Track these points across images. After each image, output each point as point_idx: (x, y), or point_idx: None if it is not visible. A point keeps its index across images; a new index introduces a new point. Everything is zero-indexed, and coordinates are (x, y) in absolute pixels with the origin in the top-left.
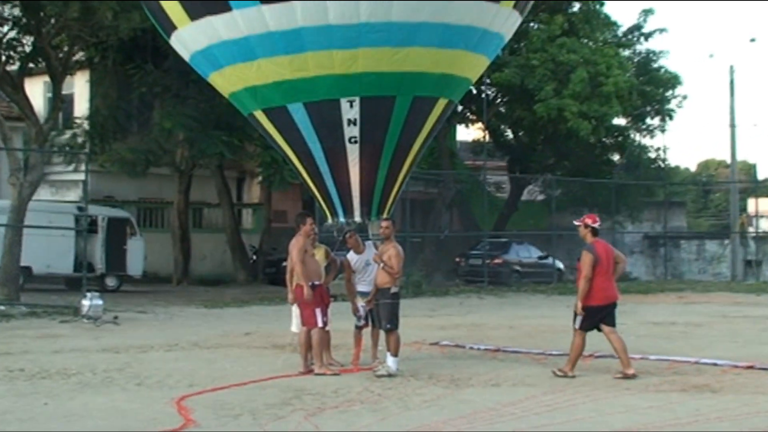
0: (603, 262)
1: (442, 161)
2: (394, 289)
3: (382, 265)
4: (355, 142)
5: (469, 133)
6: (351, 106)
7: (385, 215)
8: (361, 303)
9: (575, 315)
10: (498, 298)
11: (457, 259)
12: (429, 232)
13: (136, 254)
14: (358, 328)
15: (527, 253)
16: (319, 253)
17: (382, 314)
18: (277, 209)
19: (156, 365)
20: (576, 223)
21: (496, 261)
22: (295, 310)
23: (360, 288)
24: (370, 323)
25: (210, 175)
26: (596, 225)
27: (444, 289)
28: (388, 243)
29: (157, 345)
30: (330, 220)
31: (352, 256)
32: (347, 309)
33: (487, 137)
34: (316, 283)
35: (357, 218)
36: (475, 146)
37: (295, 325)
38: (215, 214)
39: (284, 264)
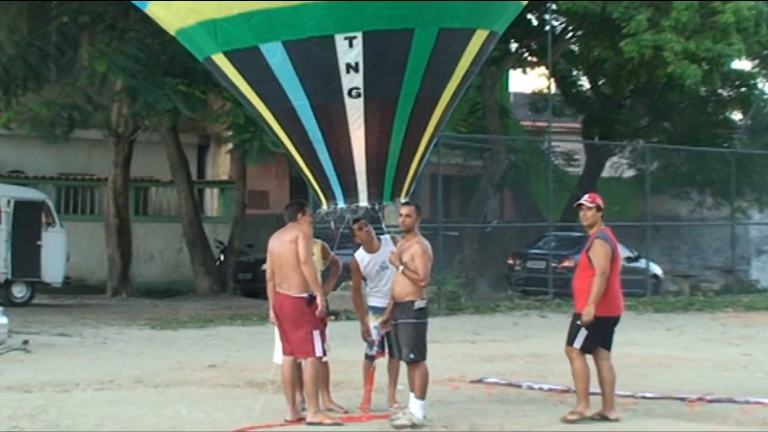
0: (617, 257)
1: (488, 122)
2: (419, 304)
3: (401, 268)
4: (358, 95)
5: (527, 81)
6: (351, 45)
7: (403, 198)
8: (373, 323)
9: (576, 328)
10: (568, 316)
11: (510, 261)
12: (470, 222)
13: (55, 253)
14: (370, 359)
15: None
16: (316, 250)
17: (403, 339)
18: (254, 189)
19: (82, 410)
20: (587, 203)
21: (566, 264)
22: (279, 333)
23: (372, 302)
24: (386, 351)
25: (160, 142)
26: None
27: (491, 304)
28: (410, 238)
29: (84, 381)
30: (324, 206)
31: (362, 255)
32: (354, 331)
33: (554, 87)
34: (314, 295)
35: (363, 202)
36: (537, 101)
37: (280, 354)
38: (167, 196)
39: (264, 267)
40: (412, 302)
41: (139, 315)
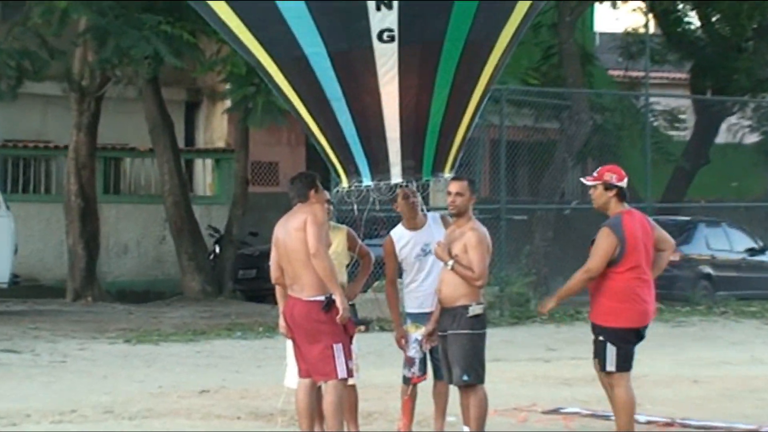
0: (635, 249)
1: (566, 71)
2: (474, 309)
3: (451, 264)
4: (391, 39)
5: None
6: None
7: (448, 172)
8: (415, 334)
9: (601, 347)
10: (671, 326)
11: None
12: (543, 202)
13: None
14: (408, 382)
15: (727, 243)
16: (337, 240)
17: (454, 356)
18: (259, 160)
19: None
20: (588, 181)
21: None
22: (292, 348)
23: (410, 305)
24: (429, 372)
25: (136, 99)
26: (623, 183)
27: (571, 310)
28: (462, 223)
29: (38, 412)
30: (344, 184)
31: (399, 232)
32: (392, 346)
33: (652, 26)
34: (332, 297)
35: (396, 178)
36: (630, 44)
37: (293, 376)
38: (145, 170)
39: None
40: (466, 308)
41: (109, 325)
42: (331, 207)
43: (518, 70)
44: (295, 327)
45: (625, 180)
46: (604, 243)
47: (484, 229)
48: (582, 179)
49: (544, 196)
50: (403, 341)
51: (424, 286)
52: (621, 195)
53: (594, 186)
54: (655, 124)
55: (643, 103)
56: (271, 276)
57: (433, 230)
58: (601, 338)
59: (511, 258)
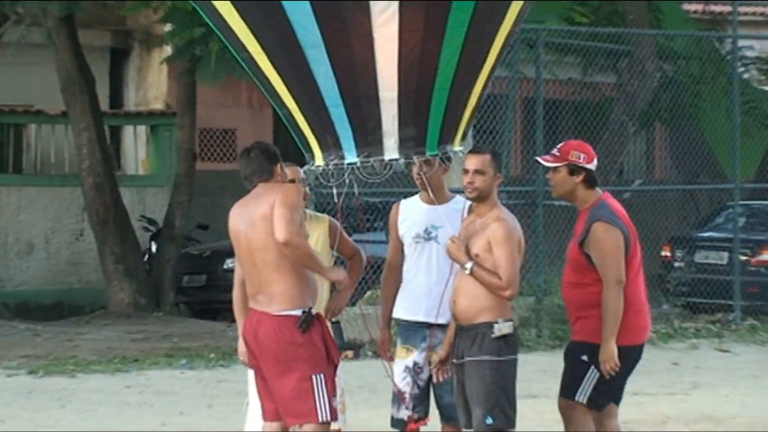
0: (636, 242)
1: (625, 6)
2: (502, 328)
3: (470, 266)
4: None
5: None
6: None
7: (458, 143)
8: (405, 360)
9: (579, 369)
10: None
11: (666, 252)
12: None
13: None
14: (402, 427)
15: None
16: (315, 234)
17: (473, 391)
18: (210, 127)
19: None
20: (547, 161)
21: (765, 256)
22: (255, 381)
23: (401, 308)
24: (430, 415)
25: (44, 45)
26: (592, 165)
27: None
28: (484, 210)
29: None
30: (318, 160)
31: (410, 204)
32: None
33: None
34: (313, 311)
35: (390, 152)
36: None
37: (255, 420)
38: (55, 141)
39: (229, 265)
40: (490, 326)
41: (7, 350)
42: (307, 189)
43: (561, 3)
44: (260, 352)
45: (595, 161)
46: (610, 243)
47: (514, 220)
48: (538, 159)
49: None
50: (386, 350)
51: (416, 284)
52: (590, 180)
53: (555, 168)
54: (746, 76)
55: (731, 48)
56: (229, 283)
57: (450, 216)
58: (584, 358)
59: (551, 258)
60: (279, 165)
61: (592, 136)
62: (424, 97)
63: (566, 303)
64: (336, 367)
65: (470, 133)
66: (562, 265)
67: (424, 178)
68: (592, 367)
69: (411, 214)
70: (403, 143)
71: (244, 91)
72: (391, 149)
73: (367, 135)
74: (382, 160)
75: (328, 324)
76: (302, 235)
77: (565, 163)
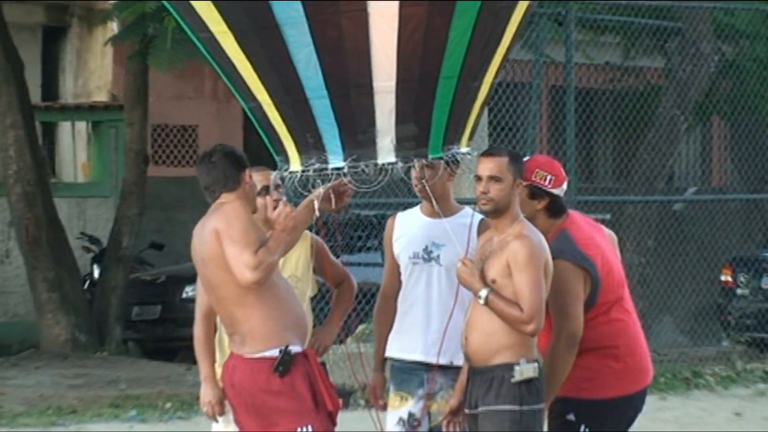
0: (609, 273)
1: None
2: (524, 370)
3: (484, 294)
4: None
5: None
6: None
7: (465, 144)
8: (398, 411)
9: (573, 429)
10: None
11: (727, 276)
12: (638, 190)
13: None
14: None
15: None
16: (296, 256)
17: None
18: (166, 125)
19: None
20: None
21: None
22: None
23: (392, 344)
24: None
25: None
26: (560, 190)
27: (687, 369)
28: (503, 226)
29: None
30: (294, 165)
31: (406, 217)
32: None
33: None
34: (292, 350)
35: (384, 154)
36: None
37: None
38: None
39: (189, 293)
40: (509, 368)
41: None
42: (284, 198)
43: None
44: (237, 404)
45: (564, 186)
46: (571, 287)
47: (539, 238)
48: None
49: (639, 182)
50: (377, 396)
51: (413, 316)
52: (553, 208)
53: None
54: None
55: None
56: (196, 314)
57: (456, 231)
58: (571, 417)
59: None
60: (247, 171)
61: (634, 133)
62: (428, 87)
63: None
64: (333, 414)
65: (485, 132)
66: None
67: (427, 186)
68: (583, 426)
69: (408, 230)
70: (401, 143)
71: (208, 79)
72: (386, 151)
73: (357, 134)
74: (376, 164)
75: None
76: (265, 253)
77: (527, 183)
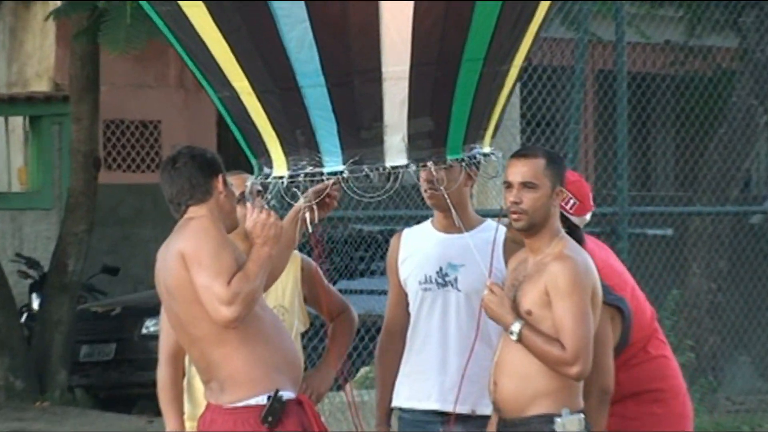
0: (641, 315)
1: None
2: (566, 423)
3: (517, 329)
4: None
5: None
6: None
7: (488, 143)
8: None
9: None
10: None
11: None
12: (707, 200)
13: None
14: None
15: None
16: (283, 280)
17: None
18: (122, 120)
19: None
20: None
21: None
22: None
23: (399, 390)
24: None
25: None
26: (582, 219)
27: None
28: (539, 245)
29: None
30: (278, 169)
31: (416, 232)
32: None
33: None
34: (284, 396)
35: (394, 155)
36: None
37: None
38: None
39: (150, 329)
40: (548, 420)
41: None
42: (264, 206)
43: None
44: None
45: (588, 216)
46: (598, 329)
47: (585, 260)
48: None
49: (708, 189)
50: None
51: (426, 355)
52: (571, 236)
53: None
54: None
55: None
56: (159, 354)
57: (479, 249)
58: None
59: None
60: (220, 178)
61: (702, 129)
62: (449, 72)
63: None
64: None
65: (517, 128)
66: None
67: (445, 193)
68: None
69: (418, 249)
70: (414, 142)
71: (174, 63)
72: (395, 151)
73: (360, 130)
74: (383, 167)
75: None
76: (241, 281)
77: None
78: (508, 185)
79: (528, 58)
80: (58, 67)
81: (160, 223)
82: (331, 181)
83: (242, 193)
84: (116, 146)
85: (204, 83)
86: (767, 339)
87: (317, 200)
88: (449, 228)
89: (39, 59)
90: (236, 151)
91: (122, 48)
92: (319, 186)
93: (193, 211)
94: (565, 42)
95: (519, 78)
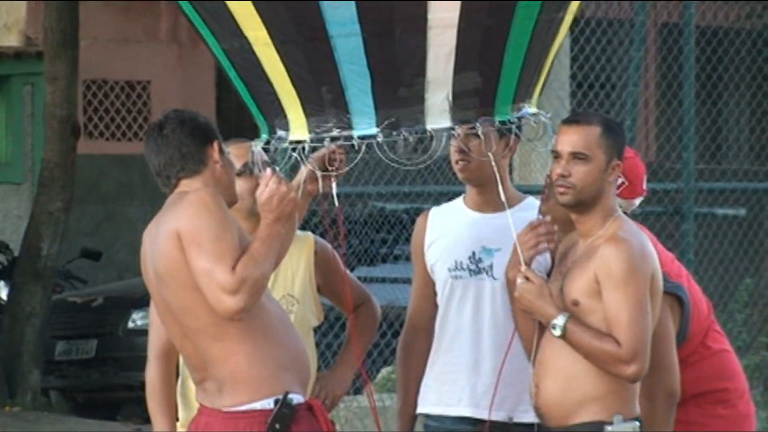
0: (699, 304)
1: None
2: (619, 429)
3: (562, 322)
4: None
5: None
6: None
7: (535, 102)
8: None
9: None
10: None
11: None
12: None
13: None
14: None
15: None
16: (294, 264)
17: None
18: (105, 80)
19: None
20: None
21: None
22: None
23: (426, 395)
24: None
25: None
26: (629, 202)
27: None
28: (590, 224)
29: None
30: (298, 132)
31: (445, 211)
32: None
33: None
34: (293, 399)
35: (438, 117)
36: None
37: None
38: None
39: (137, 322)
40: (599, 428)
41: None
42: (274, 176)
43: None
44: None
45: (637, 201)
46: (660, 322)
47: (644, 242)
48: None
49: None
50: None
51: (455, 354)
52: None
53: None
54: None
55: None
56: (148, 352)
57: (520, 228)
58: None
59: (708, 297)
60: (215, 145)
61: None
62: (503, 19)
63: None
64: None
65: (566, 90)
66: (733, 317)
67: (492, 159)
68: None
69: (447, 230)
70: (460, 100)
71: (166, 15)
72: (438, 111)
73: (399, 87)
74: (424, 131)
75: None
76: (248, 265)
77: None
78: (557, 155)
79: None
80: (30, 18)
81: (149, 200)
82: (333, 146)
83: (245, 164)
84: (98, 111)
85: (205, 33)
86: None
87: (322, 169)
88: (484, 206)
89: (8, 9)
90: (239, 116)
91: None
92: (321, 151)
93: (186, 184)
94: None
95: (570, 30)
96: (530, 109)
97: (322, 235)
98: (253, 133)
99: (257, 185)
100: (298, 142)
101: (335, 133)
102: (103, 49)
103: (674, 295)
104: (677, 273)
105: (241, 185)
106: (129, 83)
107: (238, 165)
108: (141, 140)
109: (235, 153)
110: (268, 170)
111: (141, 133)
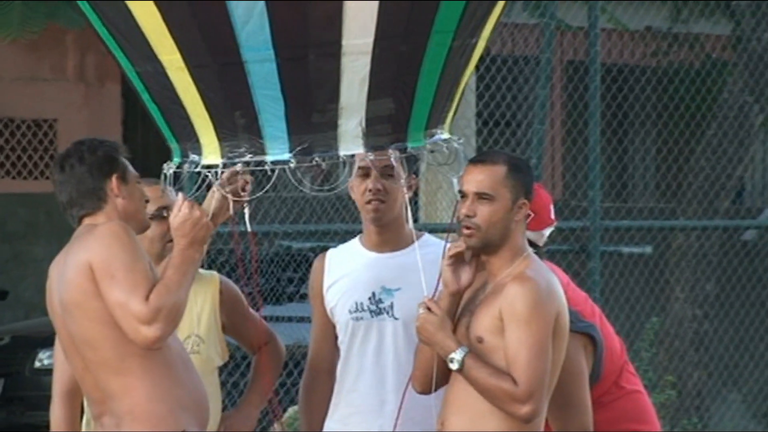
0: (612, 343)
1: None
2: None
3: (458, 356)
4: None
5: None
6: None
7: (448, 127)
8: None
9: None
10: None
11: None
12: (690, 215)
13: None
14: None
15: None
16: (199, 303)
17: None
18: (11, 119)
19: None
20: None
21: None
22: None
23: None
24: None
25: None
26: (537, 234)
27: None
28: (498, 264)
29: None
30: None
31: (343, 252)
32: None
33: None
34: None
35: (350, 143)
36: None
37: None
38: None
39: (43, 362)
40: None
41: None
42: (186, 201)
43: None
44: None
45: (546, 233)
46: (571, 361)
47: (550, 281)
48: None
49: (694, 200)
50: None
51: (359, 394)
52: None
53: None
54: None
55: None
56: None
57: (421, 265)
58: None
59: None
60: (113, 179)
61: (688, 129)
62: (417, 46)
63: None
64: None
65: (472, 128)
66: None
67: (403, 186)
68: None
69: (346, 272)
70: (373, 126)
71: (73, 52)
72: (351, 137)
73: (312, 112)
74: (337, 156)
75: None
76: (162, 293)
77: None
78: (463, 195)
79: (494, 32)
80: None
81: (56, 238)
82: (238, 165)
83: (158, 208)
84: (4, 149)
85: (119, 56)
86: (760, 374)
87: (228, 189)
88: (382, 246)
89: None
90: (145, 153)
91: (15, 31)
92: (228, 172)
93: (90, 220)
94: (529, 28)
95: (476, 68)
96: (443, 134)
97: (229, 274)
98: (159, 171)
99: (169, 230)
100: (211, 166)
101: (248, 158)
102: (10, 87)
103: (587, 335)
104: (590, 312)
105: (153, 229)
106: (35, 121)
107: (152, 207)
108: (47, 178)
109: (149, 195)
110: (180, 195)
111: (47, 171)
